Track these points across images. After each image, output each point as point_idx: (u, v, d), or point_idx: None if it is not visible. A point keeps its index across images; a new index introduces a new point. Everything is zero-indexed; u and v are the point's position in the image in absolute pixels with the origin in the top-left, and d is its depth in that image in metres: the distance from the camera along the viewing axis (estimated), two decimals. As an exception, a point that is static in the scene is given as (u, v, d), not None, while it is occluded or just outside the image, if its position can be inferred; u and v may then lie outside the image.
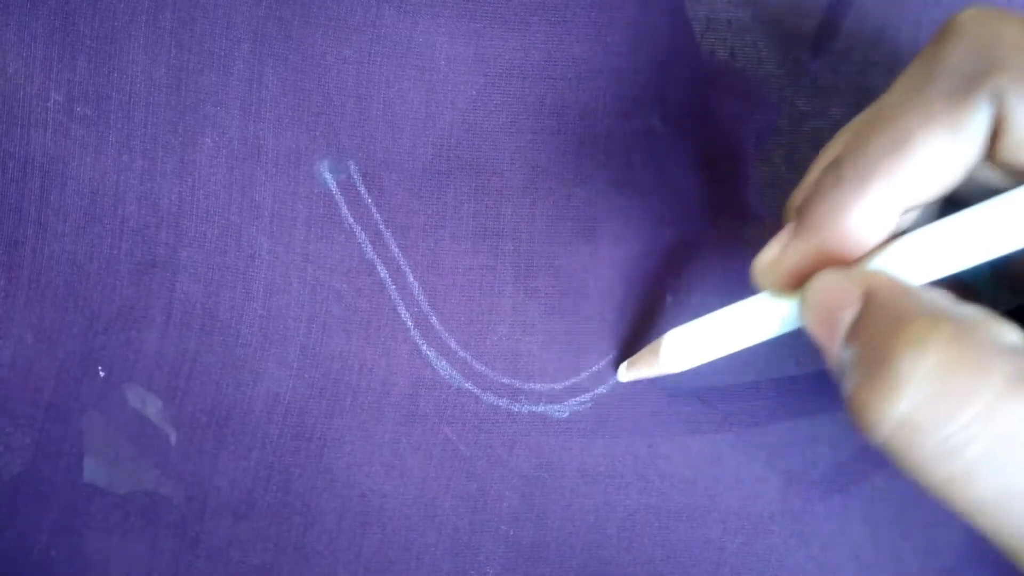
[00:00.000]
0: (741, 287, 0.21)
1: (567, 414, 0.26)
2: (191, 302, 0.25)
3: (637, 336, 0.26)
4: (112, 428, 0.25)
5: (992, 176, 0.19)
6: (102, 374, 0.25)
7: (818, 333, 0.19)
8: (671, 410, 0.26)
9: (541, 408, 0.25)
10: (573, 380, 0.26)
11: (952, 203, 0.19)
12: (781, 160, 0.26)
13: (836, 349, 0.18)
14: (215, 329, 0.25)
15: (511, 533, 0.26)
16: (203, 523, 0.25)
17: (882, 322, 0.17)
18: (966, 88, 0.17)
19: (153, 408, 0.25)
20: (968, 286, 0.21)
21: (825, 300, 0.18)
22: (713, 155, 0.26)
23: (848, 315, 0.18)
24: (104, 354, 0.25)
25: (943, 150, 0.17)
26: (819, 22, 0.26)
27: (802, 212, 0.19)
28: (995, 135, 0.17)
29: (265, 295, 0.25)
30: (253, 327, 0.25)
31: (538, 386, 0.25)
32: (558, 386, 0.25)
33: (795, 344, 0.23)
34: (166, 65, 0.24)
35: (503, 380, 0.25)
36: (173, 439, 0.25)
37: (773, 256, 0.20)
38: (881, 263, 0.19)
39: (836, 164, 0.19)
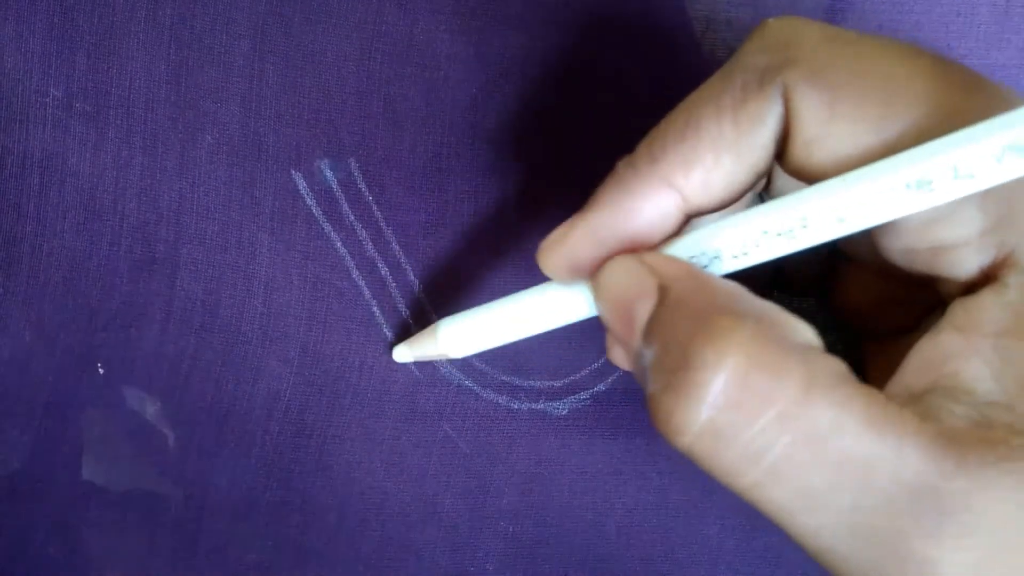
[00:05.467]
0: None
1: (566, 411, 0.26)
2: (191, 299, 0.25)
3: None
4: (111, 426, 0.25)
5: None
6: (101, 372, 0.25)
7: (614, 326, 0.18)
8: (670, 408, 0.26)
9: (540, 405, 0.26)
10: (572, 377, 0.26)
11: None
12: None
13: (635, 345, 0.17)
14: (215, 327, 0.25)
15: (511, 530, 0.26)
16: (202, 521, 0.25)
17: (680, 319, 0.16)
18: (758, 82, 0.17)
19: (152, 409, 0.25)
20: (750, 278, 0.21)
21: (618, 288, 0.17)
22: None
23: (644, 308, 0.17)
24: (103, 351, 0.25)
25: (730, 139, 0.17)
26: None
27: (592, 197, 0.18)
28: (785, 137, 0.17)
29: (266, 292, 0.25)
30: (253, 325, 0.25)
31: (538, 383, 0.26)
32: (557, 383, 0.26)
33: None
34: (166, 61, 0.24)
35: (503, 377, 0.25)
36: (172, 439, 0.25)
37: (556, 237, 0.19)
38: (677, 251, 0.18)
39: (632, 154, 0.18)
